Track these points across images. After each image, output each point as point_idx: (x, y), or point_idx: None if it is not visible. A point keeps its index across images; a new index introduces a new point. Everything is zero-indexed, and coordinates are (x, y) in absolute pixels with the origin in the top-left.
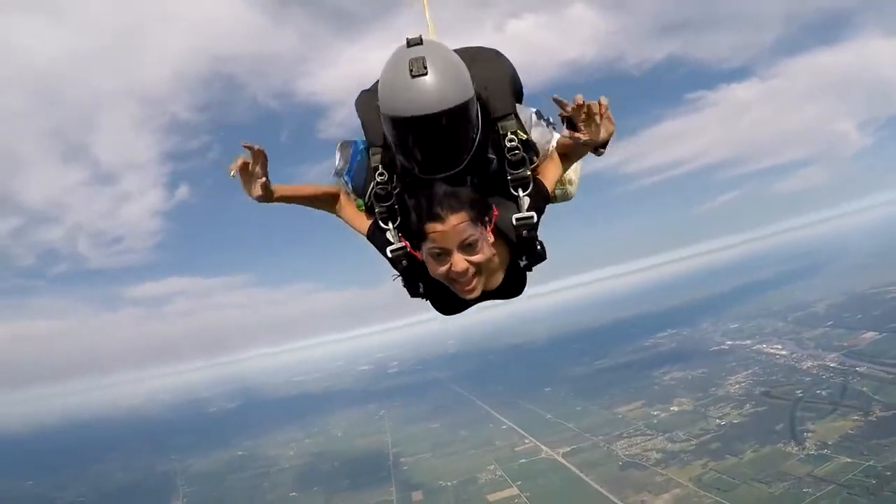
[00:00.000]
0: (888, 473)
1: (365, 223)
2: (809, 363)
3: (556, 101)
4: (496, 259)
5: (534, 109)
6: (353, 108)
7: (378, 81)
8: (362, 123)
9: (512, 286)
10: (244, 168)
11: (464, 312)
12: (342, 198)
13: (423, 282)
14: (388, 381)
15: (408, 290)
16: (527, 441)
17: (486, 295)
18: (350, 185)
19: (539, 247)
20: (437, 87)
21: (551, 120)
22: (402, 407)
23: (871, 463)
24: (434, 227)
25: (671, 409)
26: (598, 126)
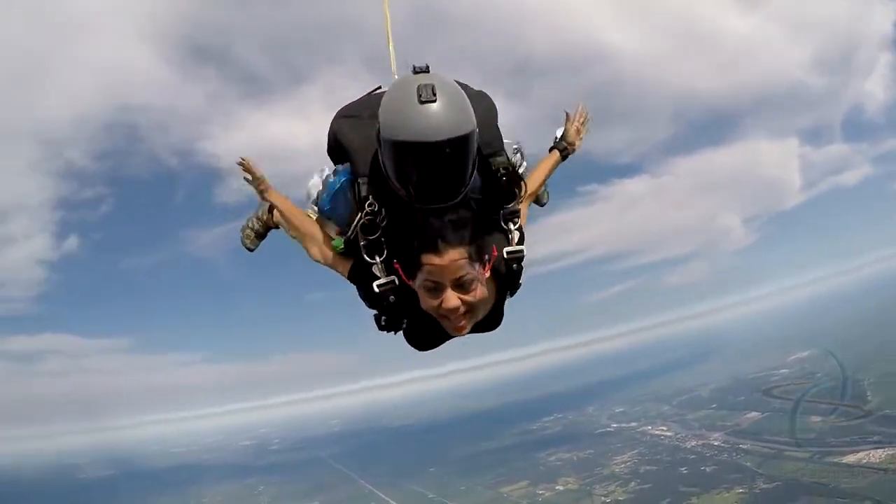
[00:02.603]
0: None
1: (344, 261)
2: (694, 442)
3: (568, 115)
4: (487, 296)
5: (515, 144)
6: (331, 134)
7: (354, 105)
8: (348, 151)
9: (491, 319)
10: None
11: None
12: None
13: (408, 317)
14: (268, 458)
15: (386, 326)
16: None
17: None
18: (327, 217)
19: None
20: (445, 115)
21: (524, 153)
22: (281, 483)
23: None
24: (431, 259)
25: (556, 488)
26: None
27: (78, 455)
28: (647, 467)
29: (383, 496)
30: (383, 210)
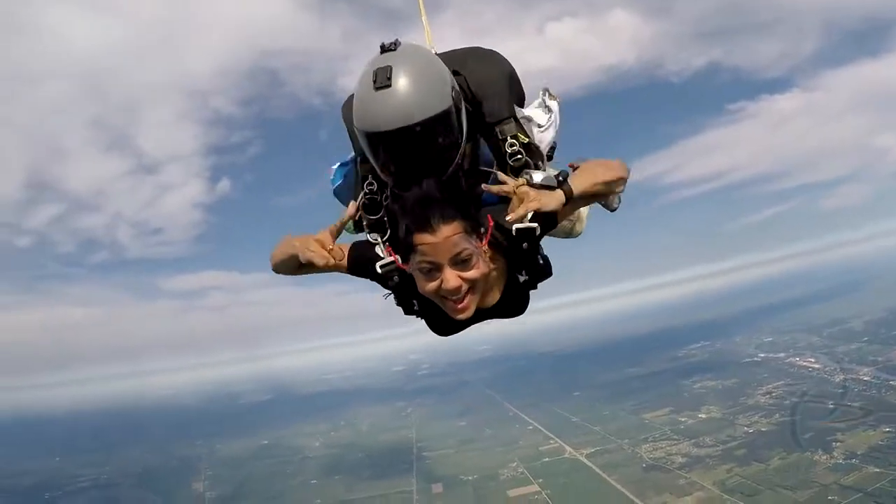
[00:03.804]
0: None
1: (344, 253)
2: (842, 376)
3: (494, 176)
4: (493, 274)
5: (536, 102)
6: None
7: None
8: (348, 133)
9: (512, 304)
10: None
11: (462, 331)
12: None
13: (417, 299)
14: (418, 382)
15: (402, 308)
16: (552, 441)
17: (483, 314)
18: (338, 197)
19: (542, 261)
20: (402, 100)
21: (547, 103)
22: (430, 406)
23: None
24: (424, 239)
25: (699, 416)
26: (524, 205)
27: (238, 383)
28: (793, 399)
29: (527, 418)
30: (385, 189)
